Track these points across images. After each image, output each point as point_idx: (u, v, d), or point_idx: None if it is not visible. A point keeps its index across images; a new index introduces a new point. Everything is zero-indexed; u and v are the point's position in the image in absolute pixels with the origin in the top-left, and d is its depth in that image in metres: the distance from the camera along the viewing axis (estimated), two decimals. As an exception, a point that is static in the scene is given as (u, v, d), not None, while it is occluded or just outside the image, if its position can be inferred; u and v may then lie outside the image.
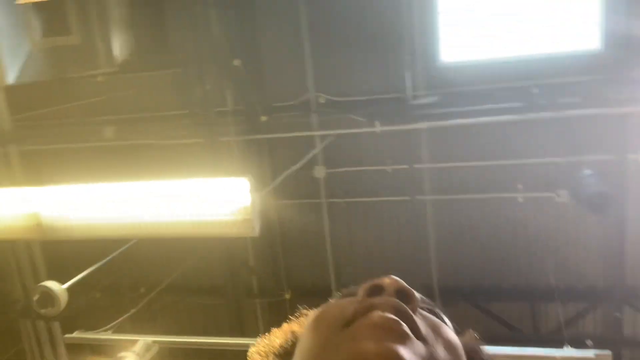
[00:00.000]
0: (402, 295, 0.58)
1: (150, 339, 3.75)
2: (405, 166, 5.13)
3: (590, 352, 3.25)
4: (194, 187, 3.40)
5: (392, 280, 0.59)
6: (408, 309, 0.56)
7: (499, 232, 5.15)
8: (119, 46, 3.87)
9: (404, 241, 5.32)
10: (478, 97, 4.57)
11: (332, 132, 4.88)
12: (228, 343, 3.82)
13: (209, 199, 3.36)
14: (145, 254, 5.30)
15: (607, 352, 3.24)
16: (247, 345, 0.71)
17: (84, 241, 3.66)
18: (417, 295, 0.59)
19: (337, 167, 5.31)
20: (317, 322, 0.60)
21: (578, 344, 3.58)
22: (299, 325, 0.73)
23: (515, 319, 5.19)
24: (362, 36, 4.97)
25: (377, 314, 0.54)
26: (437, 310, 0.65)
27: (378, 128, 4.79)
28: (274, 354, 0.69)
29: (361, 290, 0.59)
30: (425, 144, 5.03)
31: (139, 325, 4.99)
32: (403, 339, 0.52)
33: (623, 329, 4.95)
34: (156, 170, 3.53)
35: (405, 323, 0.54)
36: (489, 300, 5.31)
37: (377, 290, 0.58)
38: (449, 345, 0.58)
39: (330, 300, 0.71)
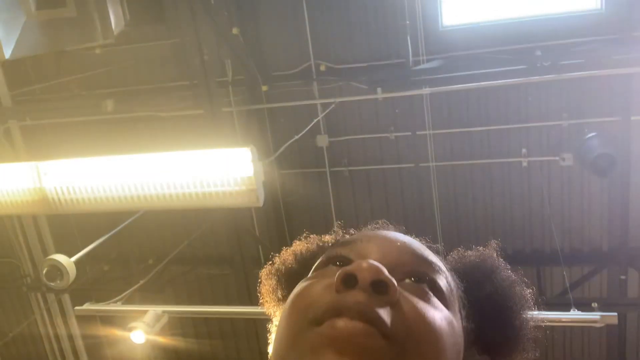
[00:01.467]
0: (378, 285, 0.57)
1: (160, 309, 3.80)
2: (408, 133, 5.10)
3: (596, 315, 3.29)
4: (197, 159, 3.39)
5: (368, 267, 0.58)
6: (377, 312, 0.55)
7: (504, 197, 5.15)
8: (115, 18, 3.81)
9: (408, 208, 5.33)
10: (480, 61, 4.51)
11: (333, 100, 4.85)
12: (237, 312, 3.86)
13: (212, 170, 3.36)
14: (152, 225, 5.33)
15: (613, 314, 3.28)
16: (256, 314, 0.77)
17: (90, 214, 3.68)
18: (395, 285, 0.58)
19: (340, 136, 5.30)
20: (292, 310, 0.62)
21: (583, 306, 3.61)
22: (304, 246, 0.82)
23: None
24: (362, 2, 4.89)
25: (341, 324, 0.54)
26: (431, 276, 0.65)
27: (380, 95, 4.75)
28: (276, 274, 0.81)
29: (336, 278, 0.58)
30: (428, 109, 4.99)
31: (148, 296, 5.06)
32: (362, 354, 0.53)
33: (627, 291, 4.99)
34: (157, 143, 3.52)
35: (372, 326, 0.54)
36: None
37: (352, 280, 0.58)
38: (426, 330, 0.58)
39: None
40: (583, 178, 4.90)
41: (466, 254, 0.81)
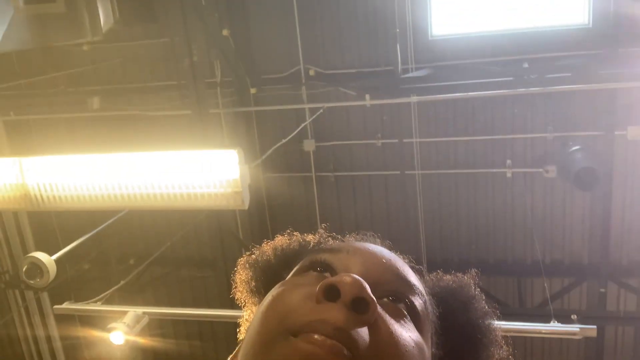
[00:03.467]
0: (359, 303, 0.57)
1: (140, 310, 3.77)
2: (395, 140, 5.13)
3: (575, 327, 3.32)
4: (183, 159, 3.37)
5: (352, 283, 0.57)
6: (353, 334, 0.56)
7: (487, 207, 5.19)
8: (104, 15, 3.79)
9: (392, 215, 5.34)
10: (468, 71, 4.55)
11: (321, 105, 4.85)
12: (218, 315, 3.84)
13: (198, 171, 3.35)
14: (135, 225, 5.29)
15: (592, 327, 3.31)
16: (237, 317, 0.77)
17: (72, 212, 3.64)
18: (375, 305, 0.58)
19: (327, 141, 5.30)
20: (268, 314, 0.61)
21: (563, 318, 3.64)
22: (285, 242, 0.81)
23: (502, 293, 5.26)
24: (352, 8, 4.91)
25: (318, 340, 0.54)
26: (410, 299, 0.65)
27: (368, 101, 4.77)
28: (253, 265, 0.81)
29: (318, 289, 0.58)
30: (415, 118, 5.01)
31: (129, 296, 5.02)
32: None
33: (607, 304, 5.04)
34: (143, 142, 3.50)
35: (346, 347, 0.54)
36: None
37: (334, 292, 0.58)
38: (397, 355, 0.59)
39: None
40: (566, 191, 4.95)
41: (445, 278, 0.81)
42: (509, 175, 4.98)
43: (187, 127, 4.39)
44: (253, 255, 0.83)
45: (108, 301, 4.19)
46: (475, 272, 0.81)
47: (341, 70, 5.03)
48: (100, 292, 4.20)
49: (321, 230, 0.86)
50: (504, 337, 0.78)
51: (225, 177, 3.31)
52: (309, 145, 5.28)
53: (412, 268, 0.75)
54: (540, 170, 4.86)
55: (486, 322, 0.77)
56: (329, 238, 0.85)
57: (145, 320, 3.70)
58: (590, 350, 5.17)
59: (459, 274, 0.82)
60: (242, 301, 0.82)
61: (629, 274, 4.95)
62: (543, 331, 3.15)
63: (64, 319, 4.98)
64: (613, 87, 4.22)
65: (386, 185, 5.35)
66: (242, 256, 0.85)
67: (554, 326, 3.18)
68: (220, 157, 3.33)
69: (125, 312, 3.70)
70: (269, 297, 0.65)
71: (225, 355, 0.69)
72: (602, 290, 4.99)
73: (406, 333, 0.62)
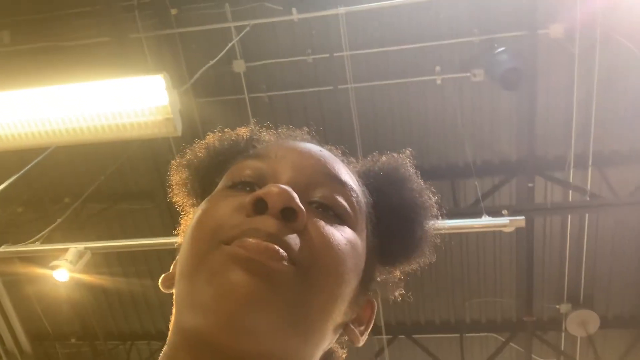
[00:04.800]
0: (288, 212, 0.58)
1: (81, 245, 3.72)
2: (326, 55, 5.07)
3: (505, 219, 3.53)
4: (107, 89, 3.24)
5: (279, 193, 0.58)
6: (285, 239, 0.57)
7: (419, 116, 5.29)
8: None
9: (329, 130, 5.37)
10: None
11: (247, 22, 4.70)
12: (161, 243, 3.84)
13: (124, 100, 3.23)
14: (65, 162, 5.12)
15: (521, 218, 3.53)
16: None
17: (-5, 154, 3.48)
18: (303, 213, 0.59)
19: (257, 60, 5.18)
20: (200, 228, 0.62)
21: (495, 214, 3.85)
22: (217, 140, 0.81)
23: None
24: None
25: (252, 243, 0.56)
26: (338, 199, 0.66)
27: (295, 15, 4.65)
28: (187, 166, 0.81)
29: (247, 203, 0.59)
30: (344, 30, 4.95)
31: (69, 235, 4.92)
32: (269, 275, 0.55)
33: (535, 198, 5.35)
34: (62, 75, 3.32)
35: (279, 247, 0.56)
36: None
37: (263, 205, 0.58)
38: (330, 256, 0.60)
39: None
40: (493, 93, 5.09)
41: (379, 161, 0.82)
42: (438, 82, 5.05)
43: (107, 56, 4.18)
44: (186, 156, 0.82)
45: (48, 241, 4.11)
46: (410, 152, 0.82)
47: (264, -16, 4.85)
48: (38, 234, 4.10)
49: (252, 126, 0.85)
50: (440, 234, 0.80)
51: (154, 104, 3.22)
52: (239, 66, 5.16)
53: (344, 161, 0.76)
54: (468, 74, 4.95)
55: (420, 200, 0.78)
56: (262, 130, 0.84)
57: (88, 255, 3.66)
58: (522, 241, 5.53)
59: (394, 155, 0.82)
60: (182, 204, 0.81)
61: (554, 167, 5.24)
62: (475, 226, 3.34)
63: (3, 262, 4.85)
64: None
65: (320, 102, 5.34)
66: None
67: (486, 220, 3.37)
68: (146, 83, 3.22)
69: (66, 249, 3.65)
70: (198, 211, 0.65)
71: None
72: (530, 185, 5.28)
73: (337, 232, 0.63)
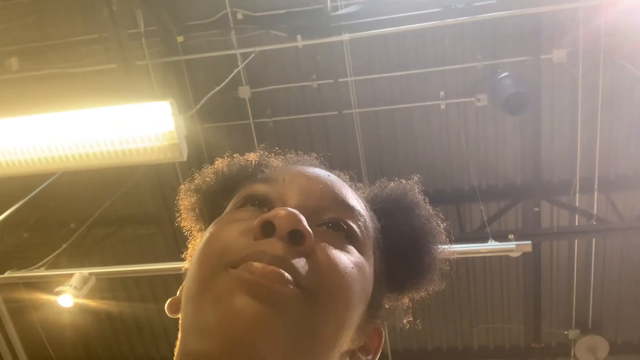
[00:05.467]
0: (295, 235, 0.58)
1: (86, 271, 3.71)
2: (330, 80, 5.11)
3: (511, 244, 3.50)
4: (114, 115, 3.27)
5: (286, 216, 0.58)
6: (292, 262, 0.57)
7: (425, 140, 5.30)
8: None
9: (333, 156, 5.36)
10: (396, 5, 4.54)
11: (252, 49, 4.76)
12: (166, 268, 3.83)
13: (131, 126, 3.26)
14: (71, 187, 5.13)
15: (527, 242, 3.50)
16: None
17: (4, 179, 3.49)
18: (311, 236, 0.59)
19: (262, 86, 5.23)
20: (207, 251, 0.62)
21: (501, 238, 3.83)
22: (226, 165, 0.81)
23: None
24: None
25: (258, 267, 0.55)
26: (348, 223, 0.66)
27: (300, 42, 4.71)
28: (196, 190, 0.81)
29: (255, 225, 0.59)
30: (349, 56, 5.00)
31: (75, 260, 4.92)
32: (275, 300, 0.54)
33: (541, 222, 5.33)
34: (69, 101, 3.35)
35: (285, 271, 0.56)
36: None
37: (270, 228, 0.58)
38: (338, 280, 0.60)
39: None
40: (497, 117, 5.11)
41: (388, 187, 0.82)
42: (443, 107, 5.08)
43: (114, 82, 4.22)
44: (195, 181, 0.82)
45: (53, 267, 4.11)
46: (418, 178, 0.82)
47: (270, 11, 4.91)
48: (44, 259, 4.10)
49: (261, 151, 0.85)
50: (448, 261, 0.80)
51: (160, 130, 3.24)
52: (244, 92, 5.20)
53: (352, 186, 0.76)
54: (472, 99, 4.98)
55: (429, 226, 0.78)
56: (270, 156, 0.84)
57: (93, 281, 3.65)
58: (529, 266, 5.48)
59: (402, 180, 0.82)
60: (190, 229, 0.81)
61: (559, 191, 5.23)
62: (482, 250, 3.32)
63: (8, 287, 4.84)
64: (537, 12, 4.32)
65: (325, 127, 5.36)
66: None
67: (492, 245, 3.35)
68: (153, 109, 3.24)
69: (71, 275, 3.64)
70: (206, 234, 0.65)
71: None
72: (536, 209, 5.26)
73: (345, 256, 0.63)
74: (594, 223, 5.01)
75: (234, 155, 0.84)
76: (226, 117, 5.38)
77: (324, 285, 0.59)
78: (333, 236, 0.64)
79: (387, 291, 0.76)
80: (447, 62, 4.95)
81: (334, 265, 0.61)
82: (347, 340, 0.63)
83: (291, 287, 0.56)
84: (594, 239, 5.32)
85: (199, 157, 5.36)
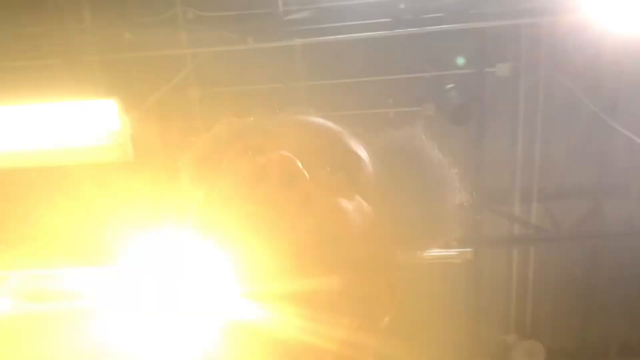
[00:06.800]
0: (290, 178, 0.57)
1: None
2: (281, 85, 5.11)
3: (453, 251, 3.59)
4: (56, 112, 3.18)
5: (280, 160, 0.57)
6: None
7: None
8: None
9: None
10: (349, 13, 4.58)
11: (201, 50, 4.70)
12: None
13: (75, 124, 3.17)
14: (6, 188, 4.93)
15: (469, 250, 3.60)
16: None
17: None
18: (305, 177, 0.58)
19: (212, 88, 5.17)
20: (207, 200, 0.61)
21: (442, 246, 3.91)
22: (223, 129, 0.82)
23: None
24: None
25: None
26: (348, 165, 0.64)
27: (251, 45, 4.68)
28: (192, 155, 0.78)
29: (248, 172, 0.59)
30: (300, 61, 5.01)
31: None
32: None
33: (483, 230, 5.47)
34: (8, 96, 3.23)
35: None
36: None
37: (263, 173, 0.58)
38: (337, 220, 0.59)
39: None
40: (444, 127, 5.22)
41: (393, 134, 0.81)
42: (391, 115, 5.15)
43: (57, 78, 4.09)
44: (194, 151, 0.79)
45: None
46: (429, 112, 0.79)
47: (221, 12, 4.87)
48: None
49: (258, 110, 0.85)
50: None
51: (105, 129, 3.18)
52: (194, 92, 5.13)
53: (354, 132, 0.74)
54: (419, 109, 5.08)
55: (439, 173, 0.76)
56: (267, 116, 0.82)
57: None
58: (470, 273, 5.62)
59: (407, 129, 0.80)
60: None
61: (500, 200, 5.39)
62: (425, 257, 3.38)
63: None
64: (481, 27, 4.45)
65: (274, 130, 5.35)
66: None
67: (433, 252, 3.42)
68: (98, 107, 3.18)
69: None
70: (203, 187, 0.64)
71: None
72: (478, 217, 5.40)
73: (345, 202, 0.61)
74: (532, 232, 5.20)
75: (231, 118, 0.83)
76: (176, 117, 5.28)
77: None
78: (332, 179, 0.63)
79: (398, 244, 0.73)
80: (396, 72, 5.04)
81: (333, 209, 0.59)
82: None
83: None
84: (532, 247, 5.52)
85: (145, 158, 5.25)
